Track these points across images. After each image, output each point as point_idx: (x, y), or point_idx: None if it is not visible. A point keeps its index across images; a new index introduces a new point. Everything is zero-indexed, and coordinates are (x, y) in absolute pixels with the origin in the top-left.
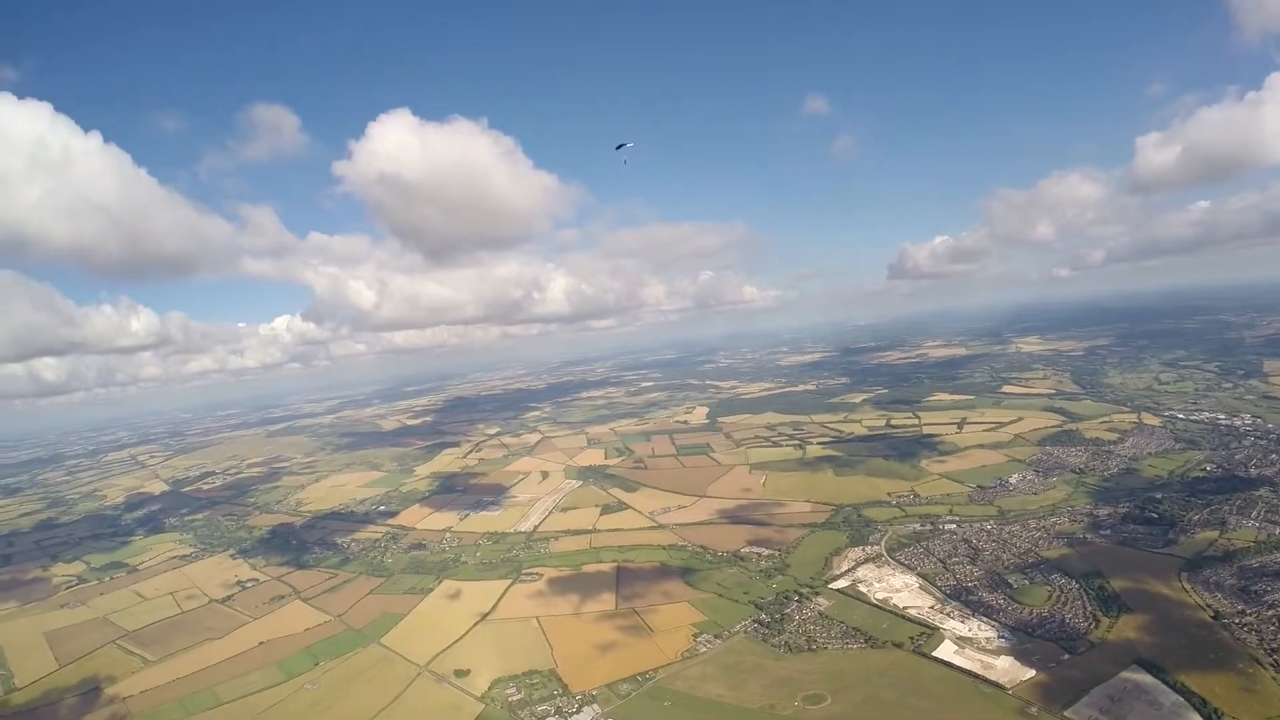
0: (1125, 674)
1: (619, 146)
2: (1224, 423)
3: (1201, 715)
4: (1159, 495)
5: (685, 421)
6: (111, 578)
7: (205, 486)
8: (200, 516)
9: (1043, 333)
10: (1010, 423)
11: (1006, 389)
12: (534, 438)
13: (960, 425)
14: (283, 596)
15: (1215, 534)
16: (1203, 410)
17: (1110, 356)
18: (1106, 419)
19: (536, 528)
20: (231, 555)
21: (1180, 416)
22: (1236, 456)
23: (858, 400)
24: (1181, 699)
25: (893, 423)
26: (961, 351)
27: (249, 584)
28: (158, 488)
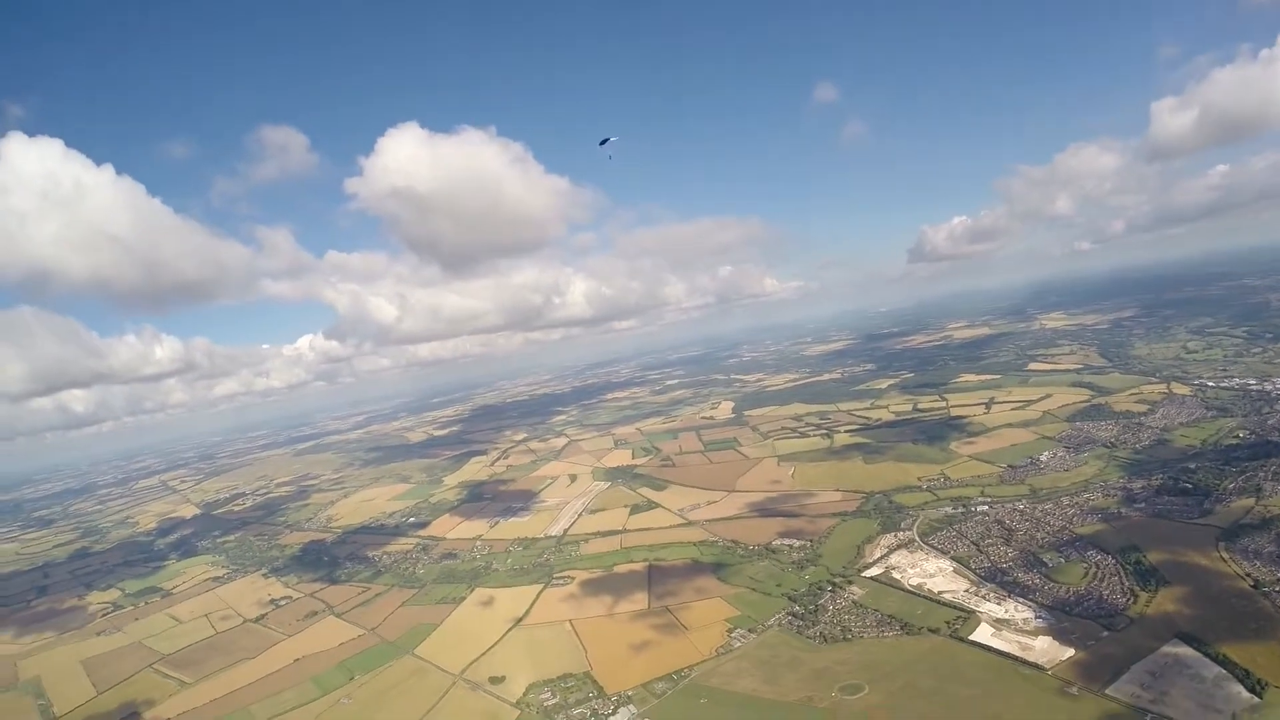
0: (1166, 648)
1: (603, 142)
2: (1255, 388)
3: (1245, 686)
4: (1192, 465)
5: (711, 417)
6: (146, 603)
7: (236, 508)
8: (232, 538)
9: (1067, 308)
10: (1038, 400)
11: (1033, 366)
12: (561, 442)
13: (988, 405)
14: (316, 613)
15: (1251, 501)
16: (1232, 377)
17: (1136, 328)
18: (1135, 391)
19: (567, 531)
20: (264, 574)
21: (1210, 384)
22: (1269, 422)
23: (884, 386)
24: (1224, 671)
25: (920, 406)
26: (986, 331)
27: (282, 602)
28: (189, 512)
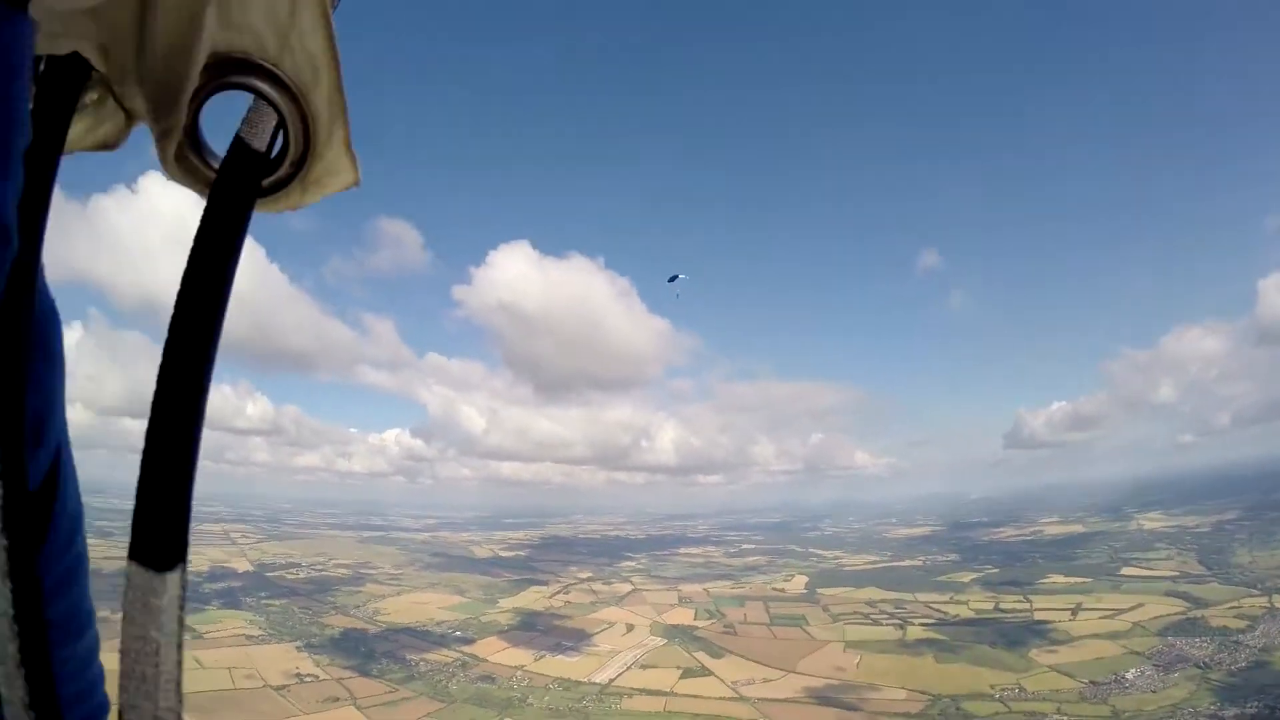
0: None
1: (672, 279)
2: None
3: None
4: None
5: (782, 589)
6: None
7: (289, 575)
8: (277, 603)
9: (1166, 507)
10: (1129, 609)
11: (1126, 571)
12: (625, 588)
13: (1075, 611)
14: (338, 699)
15: None
16: None
17: (1239, 531)
18: (1235, 604)
19: (612, 681)
20: (298, 647)
21: None
22: None
23: (966, 580)
24: None
25: (1002, 606)
26: (1079, 529)
27: (308, 679)
28: (242, 566)
